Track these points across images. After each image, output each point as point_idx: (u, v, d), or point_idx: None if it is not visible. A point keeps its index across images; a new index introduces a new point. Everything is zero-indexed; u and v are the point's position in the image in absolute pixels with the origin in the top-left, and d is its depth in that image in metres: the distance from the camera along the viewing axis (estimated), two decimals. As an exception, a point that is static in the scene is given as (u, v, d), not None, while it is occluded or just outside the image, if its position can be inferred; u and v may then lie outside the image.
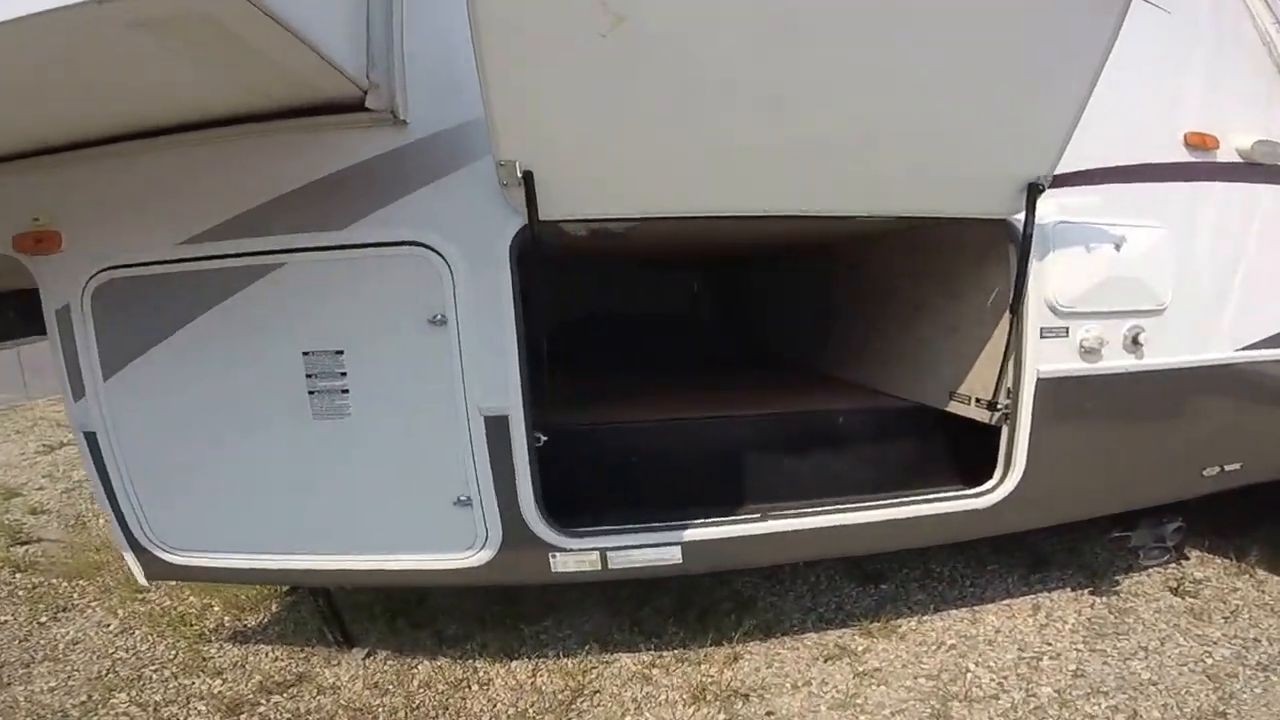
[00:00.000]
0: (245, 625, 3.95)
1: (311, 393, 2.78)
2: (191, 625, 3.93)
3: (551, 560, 2.96)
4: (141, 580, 3.16)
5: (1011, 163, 2.81)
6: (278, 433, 2.85)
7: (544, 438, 2.90)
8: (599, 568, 2.98)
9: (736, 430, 3.78)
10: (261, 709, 3.23)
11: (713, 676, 3.39)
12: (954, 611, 3.87)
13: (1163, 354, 3.36)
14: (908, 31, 2.29)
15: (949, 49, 2.37)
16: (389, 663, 3.54)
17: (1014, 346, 3.21)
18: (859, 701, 3.19)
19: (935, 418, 3.80)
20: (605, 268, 5.71)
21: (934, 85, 2.47)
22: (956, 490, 3.35)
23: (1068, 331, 3.20)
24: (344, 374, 2.76)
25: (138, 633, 3.94)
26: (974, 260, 3.41)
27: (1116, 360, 3.29)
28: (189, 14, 1.69)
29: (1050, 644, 3.53)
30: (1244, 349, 3.57)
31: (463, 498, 2.86)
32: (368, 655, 3.58)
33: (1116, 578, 4.11)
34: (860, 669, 3.41)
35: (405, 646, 3.65)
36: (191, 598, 4.21)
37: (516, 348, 2.74)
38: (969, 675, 3.33)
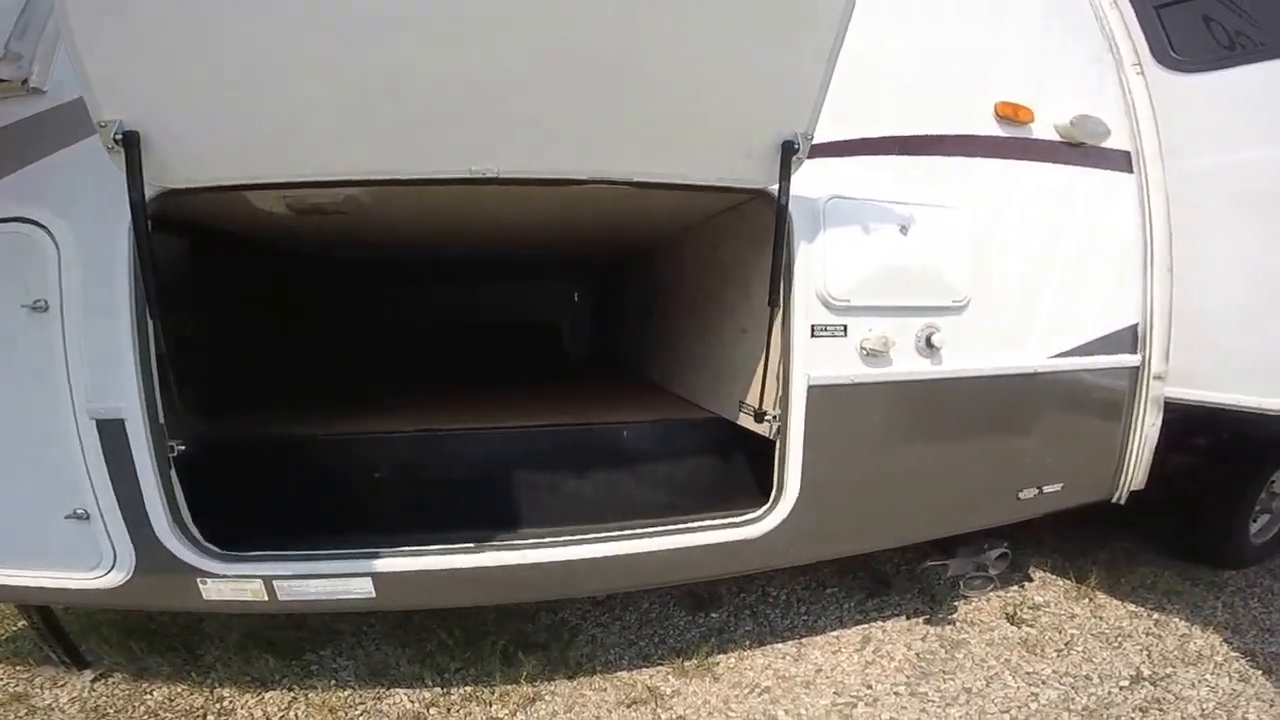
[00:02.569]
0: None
1: None
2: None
3: (201, 586, 2.32)
4: None
5: (758, 115, 2.13)
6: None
7: (180, 446, 2.27)
8: (265, 598, 2.33)
9: (495, 444, 3.03)
10: (-43, 728, 2.55)
11: None
12: (780, 645, 3.25)
13: (964, 359, 2.74)
14: None
15: None
16: (121, 687, 2.85)
17: (781, 348, 2.55)
18: (652, 758, 2.58)
19: (734, 432, 3.10)
20: (480, 277, 5.01)
21: (648, 8, 1.85)
22: (721, 518, 2.64)
23: (846, 330, 2.55)
24: None
25: None
26: (758, 249, 2.72)
27: (907, 365, 2.65)
28: None
29: (870, 687, 2.93)
30: (1060, 355, 2.98)
31: (79, 511, 2.24)
32: (98, 678, 2.90)
33: (955, 603, 3.53)
34: (663, 717, 2.78)
35: (147, 671, 2.95)
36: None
37: (134, 342, 2.13)
38: (775, 726, 2.74)
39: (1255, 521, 3.92)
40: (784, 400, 2.57)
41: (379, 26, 1.78)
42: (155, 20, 1.72)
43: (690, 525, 2.59)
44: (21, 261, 2.12)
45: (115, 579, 2.30)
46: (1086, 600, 3.59)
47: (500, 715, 2.76)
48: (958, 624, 3.39)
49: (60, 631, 2.90)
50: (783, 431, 2.59)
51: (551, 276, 5.39)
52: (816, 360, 2.53)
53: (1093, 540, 4.18)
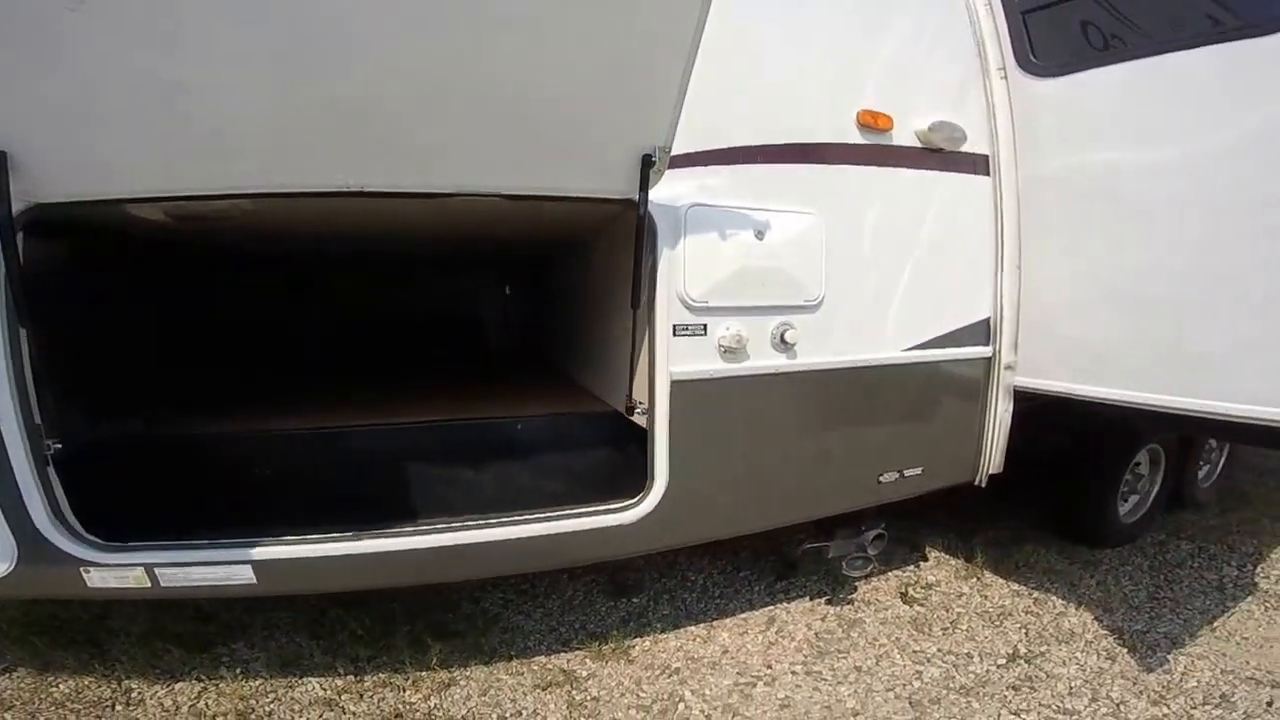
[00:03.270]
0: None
1: None
2: None
3: (85, 575, 2.33)
4: None
5: (618, 131, 2.20)
6: None
7: (57, 445, 2.25)
8: (147, 585, 2.36)
9: (388, 440, 3.00)
10: None
11: (414, 704, 2.73)
12: (693, 628, 3.31)
13: (819, 353, 2.84)
14: None
15: None
16: (25, 681, 2.77)
17: (647, 346, 2.63)
18: (563, 738, 2.62)
19: (627, 424, 3.09)
20: (403, 271, 4.84)
21: (506, 31, 1.86)
22: (598, 505, 2.70)
23: (706, 329, 2.63)
24: None
25: None
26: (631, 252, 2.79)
27: (763, 360, 2.74)
28: None
29: (770, 667, 3.01)
30: (914, 348, 3.07)
31: None
32: (3, 672, 2.81)
33: (856, 584, 3.64)
34: (577, 698, 2.81)
35: (51, 665, 2.87)
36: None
37: (5, 347, 2.11)
38: (680, 707, 2.77)
39: (1125, 502, 4.11)
40: (650, 395, 2.64)
41: (247, 50, 1.76)
42: (18, 44, 1.67)
43: (567, 513, 2.64)
44: None
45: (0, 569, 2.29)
46: (974, 579, 3.73)
47: (413, 700, 2.76)
48: (856, 603, 3.49)
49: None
50: (650, 424, 2.66)
51: (479, 271, 5.21)
52: (678, 357, 2.61)
53: (986, 520, 4.33)
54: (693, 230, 2.55)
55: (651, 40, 1.95)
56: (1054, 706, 2.75)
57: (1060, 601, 3.52)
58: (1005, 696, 2.81)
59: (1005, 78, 3.15)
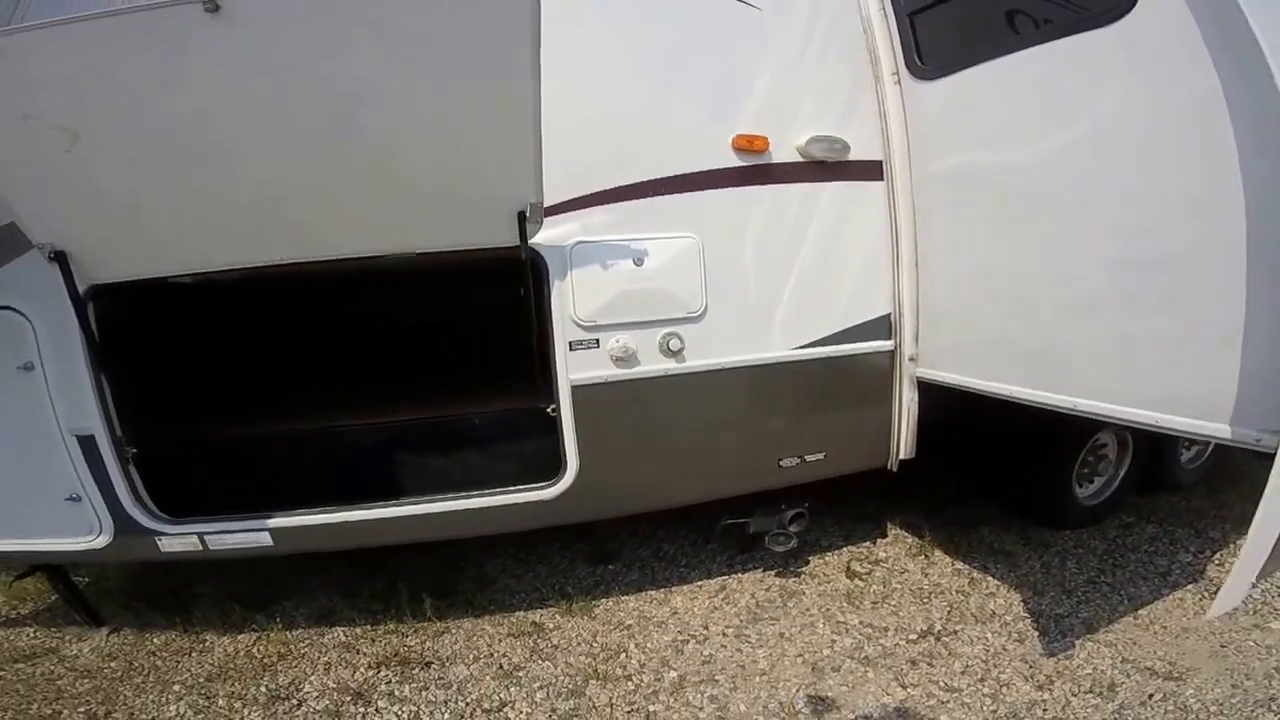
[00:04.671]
0: (18, 611, 3.81)
1: None
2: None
3: (159, 543, 3.01)
4: None
5: (496, 195, 2.61)
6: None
7: (134, 450, 2.95)
8: (200, 549, 3.02)
9: (375, 435, 3.52)
10: (2, 675, 3.21)
11: (412, 647, 3.27)
12: (653, 592, 3.66)
13: (705, 356, 3.08)
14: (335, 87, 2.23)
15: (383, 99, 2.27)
16: (129, 638, 3.47)
17: (547, 359, 3.01)
18: (520, 674, 3.06)
19: None
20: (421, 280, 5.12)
21: (390, 138, 2.39)
22: (523, 484, 3.14)
23: (598, 343, 2.98)
24: None
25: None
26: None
27: (653, 365, 3.04)
28: None
29: (707, 628, 3.33)
30: (806, 346, 3.21)
31: (73, 495, 2.93)
32: (112, 632, 3.52)
33: (809, 557, 3.87)
34: (540, 645, 3.25)
35: (148, 625, 3.56)
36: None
37: (93, 384, 2.81)
38: (622, 655, 3.16)
39: (1090, 483, 4.03)
40: (556, 396, 3.03)
41: (211, 178, 2.41)
42: (61, 175, 2.29)
43: (501, 490, 3.13)
44: (9, 338, 2.79)
45: (103, 541, 3.02)
46: (923, 557, 3.83)
47: (412, 644, 3.29)
48: (803, 576, 3.71)
49: (81, 598, 3.59)
50: (558, 420, 3.05)
51: (495, 278, 5.30)
52: (576, 366, 2.98)
53: (954, 499, 4.37)
54: (578, 264, 2.89)
55: (498, 121, 2.36)
56: (941, 683, 2.88)
57: (996, 582, 3.57)
58: (900, 669, 2.98)
59: (898, 82, 3.16)
